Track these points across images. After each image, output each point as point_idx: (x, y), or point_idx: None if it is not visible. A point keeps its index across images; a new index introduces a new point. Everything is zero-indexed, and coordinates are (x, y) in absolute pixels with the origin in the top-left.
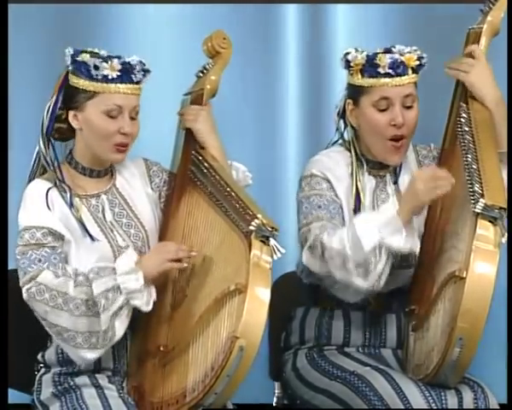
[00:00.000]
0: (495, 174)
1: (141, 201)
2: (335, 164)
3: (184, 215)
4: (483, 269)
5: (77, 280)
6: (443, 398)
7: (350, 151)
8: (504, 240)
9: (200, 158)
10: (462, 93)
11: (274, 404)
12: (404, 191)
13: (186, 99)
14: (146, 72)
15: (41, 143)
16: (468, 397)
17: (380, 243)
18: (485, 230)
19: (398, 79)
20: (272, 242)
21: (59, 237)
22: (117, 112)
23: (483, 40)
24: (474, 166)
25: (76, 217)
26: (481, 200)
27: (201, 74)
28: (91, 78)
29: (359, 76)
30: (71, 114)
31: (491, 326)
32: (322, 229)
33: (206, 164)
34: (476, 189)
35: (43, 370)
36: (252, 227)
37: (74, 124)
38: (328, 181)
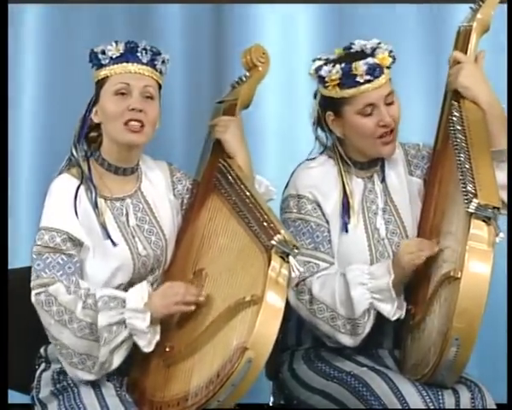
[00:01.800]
0: (488, 173)
1: (163, 207)
2: (323, 177)
3: (205, 221)
4: (478, 269)
5: (86, 302)
6: (440, 398)
7: (334, 158)
8: (498, 239)
9: (228, 167)
10: (454, 92)
11: (271, 404)
12: (392, 262)
13: (218, 107)
14: (156, 54)
15: (73, 150)
16: (466, 397)
17: (370, 306)
18: (479, 229)
19: (377, 81)
20: (292, 260)
21: (78, 243)
22: (126, 90)
23: (473, 38)
24: (466, 166)
25: (99, 220)
26: (474, 200)
27: (237, 85)
28: (101, 65)
29: (337, 89)
30: (93, 111)
31: (491, 326)
32: (308, 269)
33: (232, 173)
34: (469, 188)
35: (43, 365)
36: (273, 242)
37: (96, 119)
38: (315, 201)
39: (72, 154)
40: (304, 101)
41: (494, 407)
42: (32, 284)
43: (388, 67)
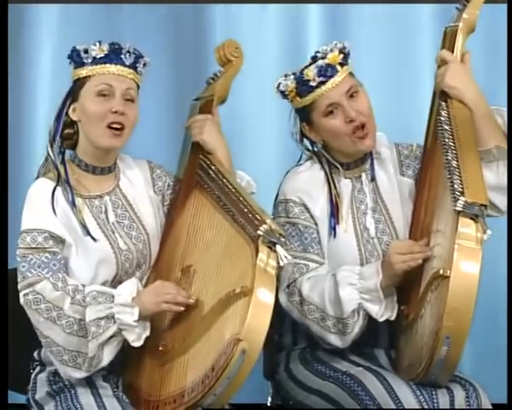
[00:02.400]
0: (475, 172)
1: (143, 203)
2: (310, 181)
3: (190, 217)
4: (466, 267)
5: (74, 298)
6: (434, 398)
7: (321, 163)
8: (486, 237)
9: (208, 162)
10: (442, 91)
11: (268, 404)
12: (382, 262)
13: (195, 104)
14: (138, 57)
15: (49, 148)
16: (460, 396)
17: (359, 307)
18: (467, 227)
19: (332, 80)
20: (279, 248)
21: (60, 241)
22: (108, 91)
23: (459, 38)
24: (454, 164)
25: (77, 218)
26: (462, 198)
27: (212, 81)
28: (83, 64)
29: (298, 99)
30: (71, 108)
31: (491, 326)
32: (297, 270)
33: (213, 168)
34: (456, 187)
35: (38, 368)
36: (260, 232)
37: (74, 116)
38: (302, 204)
39: (48, 153)
40: None
41: (489, 406)
42: (19, 286)
43: (342, 64)
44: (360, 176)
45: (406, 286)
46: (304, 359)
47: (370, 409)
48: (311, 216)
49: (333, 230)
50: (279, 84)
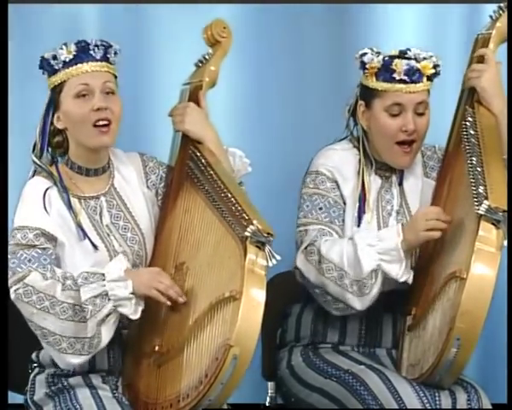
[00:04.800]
0: (500, 178)
1: (138, 201)
2: (343, 162)
3: (181, 213)
4: (484, 271)
5: (65, 284)
6: (437, 399)
7: (358, 149)
8: (505, 243)
9: (198, 154)
10: (469, 97)
11: (267, 404)
12: (403, 226)
13: (185, 89)
14: (108, 47)
15: (36, 160)
16: (462, 398)
17: (377, 267)
18: (488, 232)
19: (412, 85)
20: (267, 248)
21: (52, 238)
22: (86, 91)
23: (491, 46)
24: (478, 169)
25: (75, 221)
26: (485, 202)
27: (200, 64)
28: (55, 71)
29: (373, 79)
30: (55, 117)
31: (491, 326)
32: (320, 234)
33: (203, 160)
34: (480, 191)
35: (36, 370)
36: (247, 233)
37: (59, 125)
38: (334, 181)
39: (37, 165)
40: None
41: (490, 407)
42: (10, 282)
43: (429, 79)
44: (390, 176)
45: (415, 286)
46: (306, 356)
47: (373, 409)
48: (341, 195)
49: (358, 218)
50: (364, 54)
